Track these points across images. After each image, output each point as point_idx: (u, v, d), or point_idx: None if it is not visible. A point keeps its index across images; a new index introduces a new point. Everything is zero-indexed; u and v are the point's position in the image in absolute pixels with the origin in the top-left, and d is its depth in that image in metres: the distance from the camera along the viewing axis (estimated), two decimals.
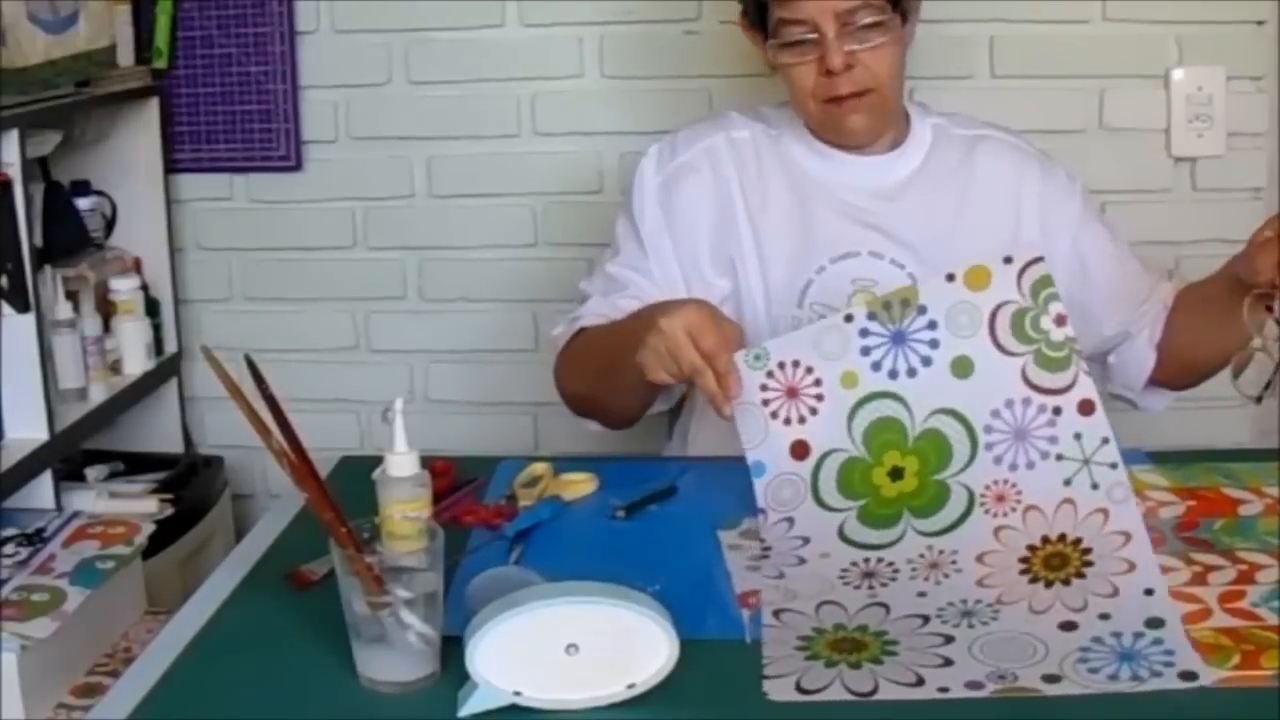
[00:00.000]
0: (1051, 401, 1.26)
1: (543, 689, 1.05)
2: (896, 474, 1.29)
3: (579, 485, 1.49)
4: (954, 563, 1.22)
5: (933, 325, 1.29)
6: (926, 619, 1.14)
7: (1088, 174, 1.80)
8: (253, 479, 2.43)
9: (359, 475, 1.30)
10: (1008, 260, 1.28)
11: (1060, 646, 1.09)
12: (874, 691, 1.05)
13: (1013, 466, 1.26)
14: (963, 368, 1.28)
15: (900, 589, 1.20)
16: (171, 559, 2.03)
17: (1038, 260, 1.28)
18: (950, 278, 1.30)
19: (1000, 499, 1.25)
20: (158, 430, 2.33)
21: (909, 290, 1.31)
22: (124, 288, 2.18)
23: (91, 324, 2.07)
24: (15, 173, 1.82)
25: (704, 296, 1.67)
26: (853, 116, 1.62)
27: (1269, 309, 1.33)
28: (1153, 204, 2.19)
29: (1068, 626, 1.11)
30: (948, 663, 1.08)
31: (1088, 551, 1.19)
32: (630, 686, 1.05)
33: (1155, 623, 1.11)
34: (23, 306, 1.85)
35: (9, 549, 1.76)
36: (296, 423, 1.15)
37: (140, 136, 2.26)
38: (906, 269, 1.64)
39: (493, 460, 1.58)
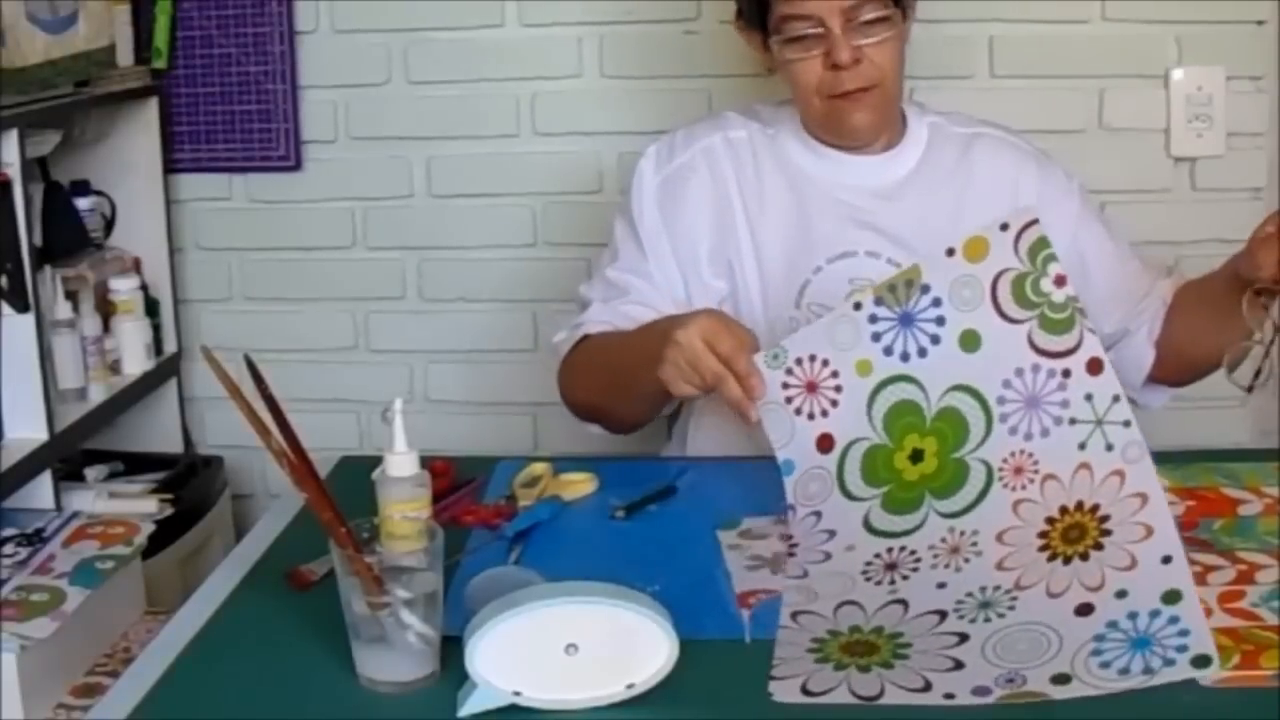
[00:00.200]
0: (1060, 365, 1.25)
1: (542, 689, 1.05)
2: (917, 456, 1.29)
3: (578, 485, 1.49)
4: (974, 545, 1.22)
5: (937, 303, 1.29)
6: (943, 615, 1.15)
7: (1087, 174, 1.80)
8: (252, 479, 2.43)
9: (358, 475, 1.31)
10: (1004, 227, 1.27)
11: (1075, 637, 1.09)
12: (879, 696, 1.05)
13: (1028, 436, 1.25)
14: (971, 342, 1.28)
15: (920, 581, 1.20)
16: (171, 559, 2.03)
17: (1034, 223, 1.27)
18: (950, 252, 1.30)
19: (1018, 471, 1.25)
20: (157, 430, 2.33)
21: (912, 270, 1.31)
22: (123, 288, 2.18)
23: (91, 324, 2.07)
24: (15, 173, 1.82)
25: (703, 298, 1.67)
26: (857, 114, 1.62)
27: (1265, 306, 1.34)
28: (1152, 204, 2.19)
29: (1084, 610, 1.11)
30: (958, 665, 1.08)
31: (1105, 519, 1.18)
32: (630, 686, 1.05)
33: (1172, 596, 1.10)
34: (22, 306, 1.85)
35: (9, 549, 1.76)
36: (296, 423, 1.15)
37: (140, 136, 2.26)
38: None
39: (492, 460, 1.58)
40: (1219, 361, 1.40)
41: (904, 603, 1.18)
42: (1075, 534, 1.19)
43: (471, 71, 2.27)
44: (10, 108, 1.83)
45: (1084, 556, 1.16)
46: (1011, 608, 1.14)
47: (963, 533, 1.24)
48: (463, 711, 1.05)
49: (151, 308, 2.26)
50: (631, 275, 1.68)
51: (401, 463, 1.23)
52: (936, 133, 1.72)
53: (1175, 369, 1.65)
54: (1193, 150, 2.19)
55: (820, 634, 1.14)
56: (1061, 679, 1.05)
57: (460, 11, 2.25)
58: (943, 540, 1.24)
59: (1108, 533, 1.17)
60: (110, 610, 1.75)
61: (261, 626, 1.21)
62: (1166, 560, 1.13)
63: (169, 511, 2.00)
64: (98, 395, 2.07)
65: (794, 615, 1.18)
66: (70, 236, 2.15)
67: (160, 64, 2.27)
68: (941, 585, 1.19)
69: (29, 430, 1.87)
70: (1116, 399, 1.22)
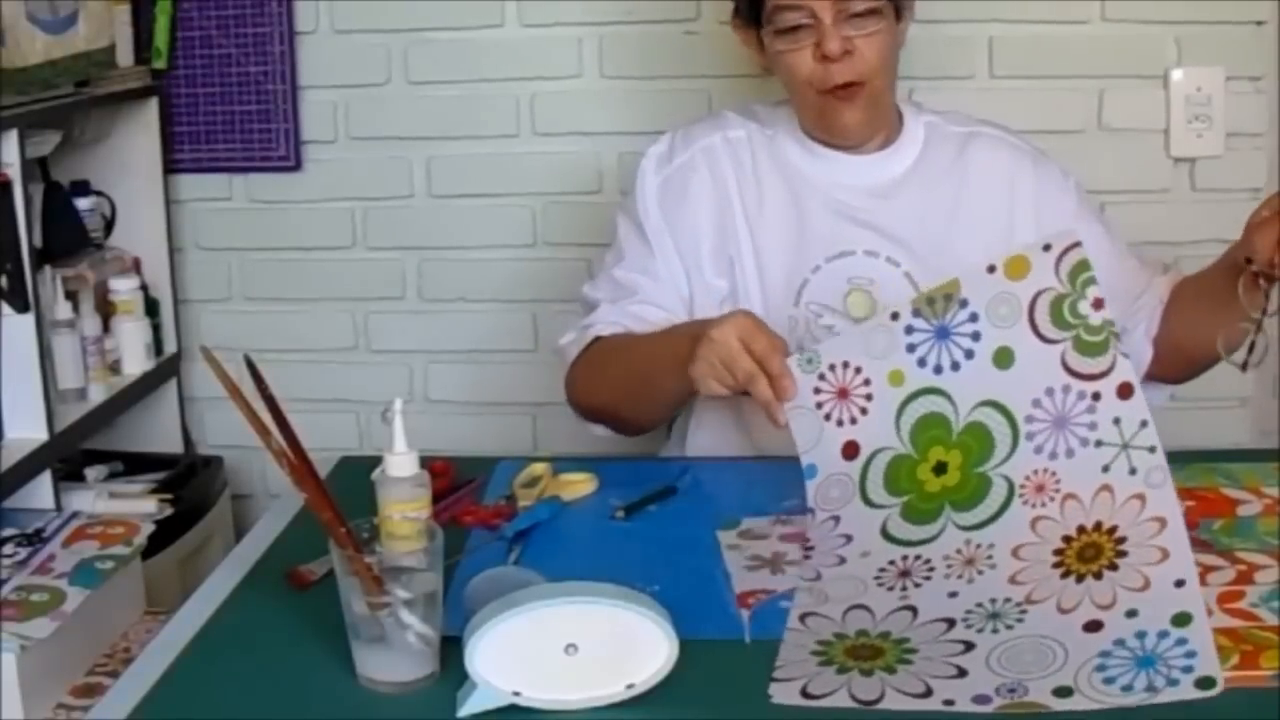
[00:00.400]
0: (1091, 387, 1.25)
1: (542, 689, 1.05)
2: (941, 468, 1.29)
3: (578, 485, 1.49)
4: (989, 558, 1.22)
5: (974, 318, 1.30)
6: (952, 623, 1.15)
7: (1087, 174, 1.80)
8: (252, 479, 2.43)
9: (358, 475, 1.31)
10: (1046, 247, 1.28)
11: (1080, 652, 1.08)
12: (879, 700, 1.05)
13: (1053, 455, 1.26)
14: (1004, 358, 1.29)
15: (932, 589, 1.20)
16: (171, 559, 2.03)
17: (1076, 245, 1.27)
18: (991, 269, 1.30)
19: (1040, 489, 1.25)
20: (157, 430, 2.33)
21: (951, 284, 1.31)
22: (123, 288, 2.18)
23: (91, 324, 2.07)
24: (15, 173, 1.82)
25: (704, 297, 1.67)
26: (847, 113, 1.62)
27: (1261, 288, 1.34)
28: (1152, 204, 2.19)
29: (1093, 627, 1.11)
30: (961, 673, 1.08)
31: (1122, 541, 1.19)
32: (629, 687, 1.05)
33: (1182, 619, 1.10)
34: (22, 306, 1.85)
35: (8, 549, 1.76)
36: (296, 423, 1.15)
37: (140, 136, 2.26)
38: (902, 267, 1.65)
39: (492, 460, 1.58)
40: (1218, 355, 1.41)
41: (913, 609, 1.18)
42: (1091, 553, 1.19)
43: (471, 72, 2.27)
44: (10, 108, 1.83)
45: (1097, 575, 1.17)
46: (1020, 620, 1.14)
47: (979, 545, 1.24)
48: (462, 711, 1.05)
49: (151, 308, 2.26)
50: (638, 274, 1.68)
51: (401, 463, 1.23)
52: (933, 132, 1.72)
53: (1174, 365, 1.65)
54: (1192, 151, 2.19)
55: (826, 636, 1.14)
56: (1064, 691, 1.05)
57: (460, 11, 2.25)
58: (958, 551, 1.24)
59: (1123, 554, 1.18)
60: (110, 610, 1.75)
61: (261, 626, 1.22)
62: (1179, 584, 1.13)
63: (169, 511, 2.00)
64: (98, 395, 2.07)
65: (802, 617, 1.18)
66: (70, 236, 2.15)
67: (160, 64, 2.27)
68: (953, 594, 1.19)
69: (29, 430, 1.87)
70: (1144, 424, 1.23)
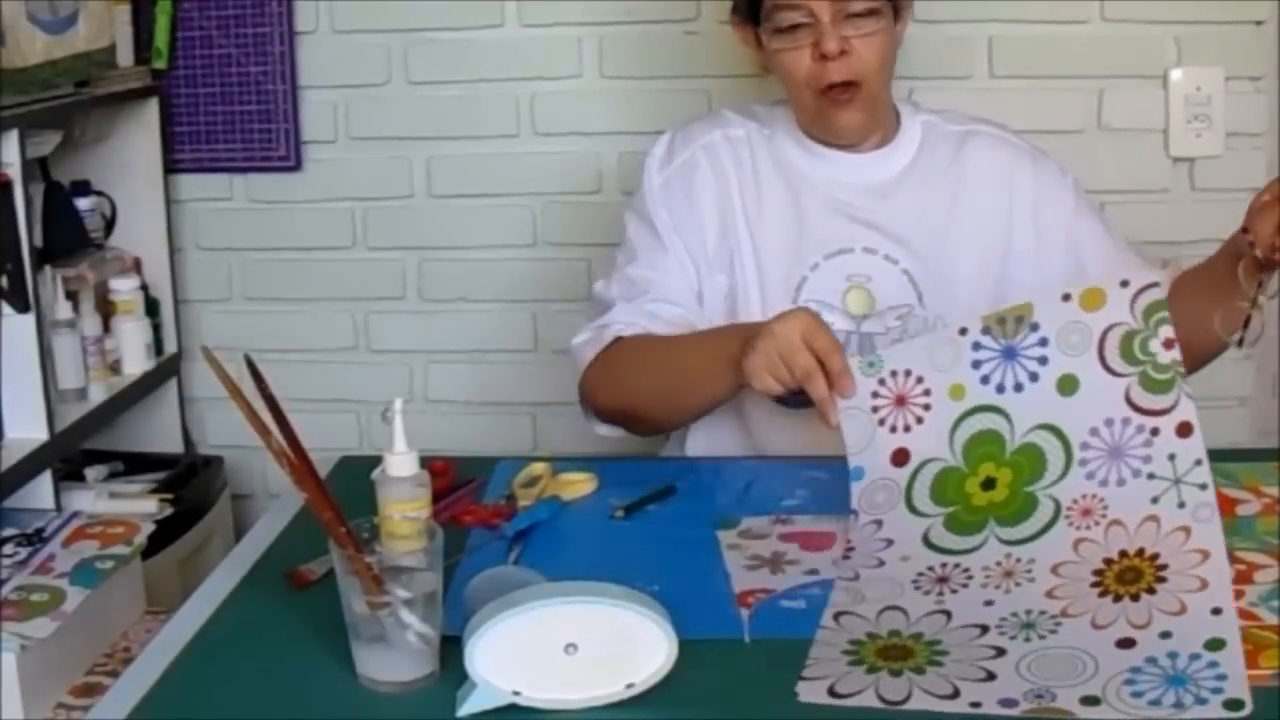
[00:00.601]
0: (1151, 422, 1.27)
1: (542, 689, 1.05)
2: (989, 484, 1.30)
3: (578, 485, 1.49)
4: (1028, 572, 1.23)
5: (1044, 342, 1.31)
6: (985, 629, 1.15)
7: (1086, 174, 1.81)
8: (252, 479, 2.43)
9: (358, 475, 1.31)
10: (1124, 284, 1.29)
11: (1111, 665, 1.08)
12: (905, 700, 1.05)
13: (1103, 483, 1.27)
14: (1068, 385, 1.30)
15: (968, 596, 1.20)
16: (171, 559, 2.03)
17: (1153, 285, 1.29)
18: (1066, 297, 1.31)
19: (1086, 512, 1.26)
20: (157, 430, 2.33)
21: (1024, 307, 1.32)
22: (124, 288, 2.18)
23: (91, 324, 2.07)
24: (15, 173, 1.82)
25: (711, 293, 1.67)
26: (844, 113, 1.63)
27: (1262, 271, 1.35)
28: (1151, 204, 2.19)
29: (1125, 644, 1.11)
30: (990, 677, 1.07)
31: (1163, 568, 1.20)
32: (629, 686, 1.05)
33: (1216, 644, 1.10)
34: (23, 307, 1.85)
35: (8, 549, 1.76)
36: (296, 423, 1.15)
37: (140, 137, 2.26)
38: (900, 264, 1.65)
39: (492, 460, 1.58)
40: (1219, 345, 1.43)
41: (948, 613, 1.18)
42: (1130, 576, 1.20)
43: (471, 72, 2.27)
44: (10, 108, 1.83)
45: (1134, 597, 1.17)
46: (1054, 631, 1.14)
47: (1019, 559, 1.24)
48: (462, 711, 1.05)
49: (152, 308, 2.26)
50: (651, 272, 1.68)
51: (401, 463, 1.23)
52: (930, 130, 1.72)
53: None
54: (1192, 150, 2.19)
55: (859, 636, 1.15)
56: (1091, 700, 1.04)
57: (460, 11, 2.25)
58: (998, 564, 1.24)
59: (1163, 579, 1.18)
60: (110, 610, 1.75)
61: (261, 626, 1.22)
62: (1216, 612, 1.14)
63: (169, 511, 2.00)
64: (98, 395, 2.07)
65: (836, 616, 1.18)
66: (70, 237, 2.16)
67: (160, 64, 2.27)
68: (988, 603, 1.19)
69: (29, 430, 1.88)
70: (1199, 463, 1.24)
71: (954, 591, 1.21)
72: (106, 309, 2.17)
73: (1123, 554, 1.22)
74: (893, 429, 1.34)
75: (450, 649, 1.09)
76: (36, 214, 2.00)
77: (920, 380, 1.33)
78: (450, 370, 2.39)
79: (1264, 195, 1.38)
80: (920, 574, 1.24)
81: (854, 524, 1.33)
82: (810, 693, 1.06)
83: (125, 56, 2.17)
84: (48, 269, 2.01)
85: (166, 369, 2.30)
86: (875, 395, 1.34)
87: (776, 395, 1.42)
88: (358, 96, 2.30)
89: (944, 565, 1.25)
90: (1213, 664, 1.08)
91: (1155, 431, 1.26)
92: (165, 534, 1.96)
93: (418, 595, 1.08)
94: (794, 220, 1.67)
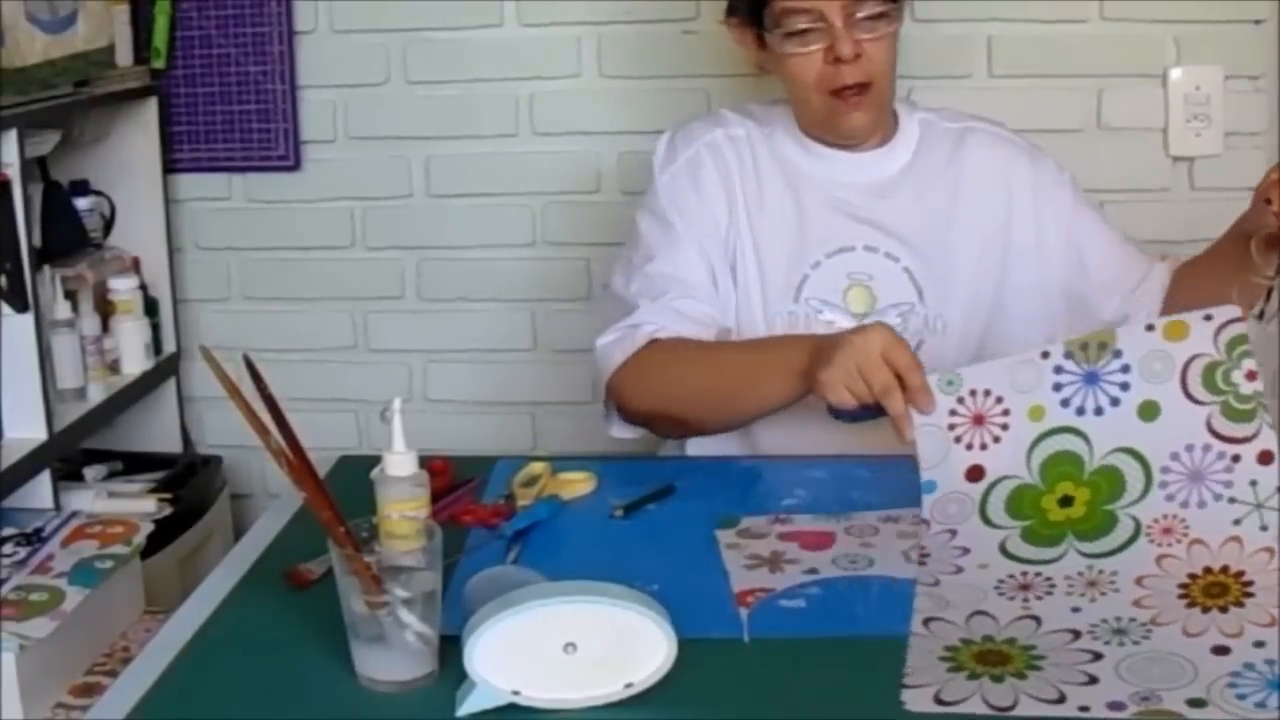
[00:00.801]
0: (1232, 449, 1.28)
1: (541, 688, 1.05)
2: (1066, 501, 1.30)
3: (577, 484, 1.48)
4: (1113, 582, 1.23)
5: (1126, 369, 1.31)
6: (1077, 634, 1.14)
7: (1085, 174, 1.81)
8: (251, 478, 2.43)
9: (357, 475, 1.30)
10: (1207, 317, 1.30)
11: (1211, 670, 1.08)
12: (1013, 707, 1.04)
13: (1184, 504, 1.27)
14: (1149, 411, 1.30)
15: (1054, 603, 1.20)
16: (170, 559, 2.03)
17: (1237, 320, 1.30)
18: (1149, 328, 1.32)
19: (1167, 531, 1.26)
20: (156, 430, 2.33)
21: (1107, 334, 1.33)
22: (123, 287, 2.18)
23: (90, 324, 2.08)
24: (14, 173, 1.83)
25: (723, 290, 1.67)
26: (855, 114, 1.63)
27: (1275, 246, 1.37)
28: (1150, 203, 2.19)
29: (1220, 651, 1.11)
30: (1092, 680, 1.07)
31: (1249, 584, 1.20)
32: (628, 686, 1.05)
33: None
34: (22, 306, 1.85)
35: (8, 549, 1.76)
36: (295, 422, 1.15)
37: (139, 136, 2.26)
38: (901, 262, 1.65)
39: (491, 460, 1.58)
40: None
41: (1036, 618, 1.17)
42: (1217, 590, 1.20)
43: (470, 71, 2.27)
44: (10, 108, 1.83)
45: (1223, 609, 1.17)
46: (1146, 637, 1.13)
47: (1101, 571, 1.24)
48: (461, 711, 1.05)
49: (151, 307, 2.26)
50: (672, 268, 1.66)
51: (400, 462, 1.23)
52: (928, 129, 1.73)
53: None
54: (1191, 150, 2.19)
55: (953, 641, 1.14)
56: (1197, 703, 1.03)
57: (459, 11, 2.25)
58: (1080, 574, 1.24)
59: (1250, 595, 1.18)
60: (109, 610, 1.75)
61: (260, 626, 1.21)
62: None
63: (168, 511, 2.00)
64: (97, 395, 2.07)
65: (925, 621, 1.17)
66: (69, 236, 2.16)
67: (159, 64, 2.27)
68: (1076, 610, 1.19)
69: (28, 430, 1.88)
70: None
71: (1039, 598, 1.21)
72: (105, 309, 2.17)
73: (1207, 570, 1.22)
74: (969, 446, 1.34)
75: (449, 649, 1.09)
76: (35, 214, 2.00)
77: (1000, 400, 1.33)
78: (449, 370, 2.38)
79: (1271, 175, 1.40)
80: (1001, 581, 1.24)
81: (925, 533, 1.33)
82: (917, 701, 1.05)
83: (124, 56, 2.17)
84: (47, 269, 2.01)
85: (165, 369, 2.30)
86: (952, 413, 1.34)
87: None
88: (357, 96, 2.30)
89: (1024, 573, 1.25)
90: None
91: (1236, 458, 1.27)
92: (164, 534, 1.96)
93: (417, 595, 1.08)
94: (795, 218, 1.67)
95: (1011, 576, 1.25)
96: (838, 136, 1.67)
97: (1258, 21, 2.14)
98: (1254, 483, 1.26)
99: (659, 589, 1.13)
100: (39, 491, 1.89)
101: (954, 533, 1.31)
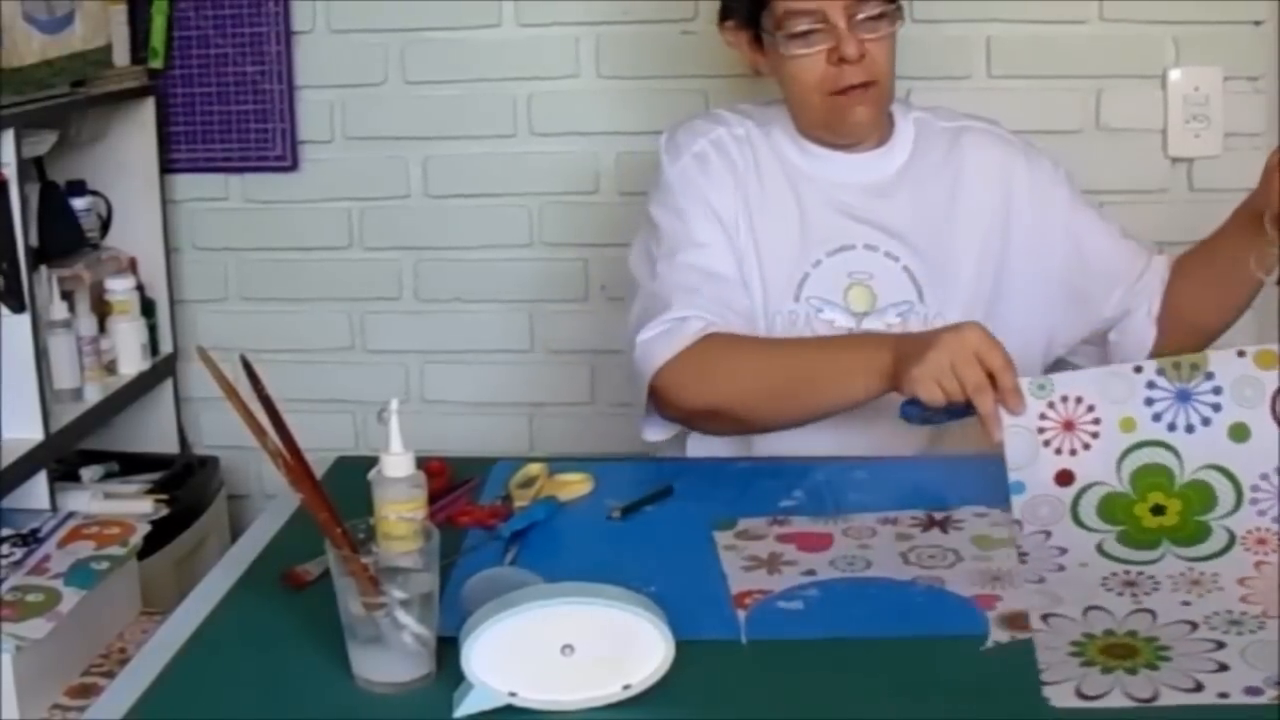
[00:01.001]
0: None
1: (538, 690, 1.05)
2: (1158, 510, 1.31)
3: (575, 486, 1.48)
4: (1215, 581, 1.23)
5: (1218, 391, 1.33)
6: (1194, 625, 1.15)
7: (1084, 174, 1.81)
8: (248, 479, 2.43)
9: (354, 476, 1.30)
10: None
11: None
12: (1155, 698, 1.04)
13: (1276, 520, 1.29)
14: (1240, 433, 1.32)
15: (1163, 598, 1.20)
16: (167, 559, 2.03)
17: None
18: (1241, 354, 1.34)
19: (1261, 542, 1.27)
20: (153, 430, 2.33)
21: (1199, 357, 1.35)
22: (119, 288, 2.18)
23: (87, 324, 2.07)
24: (11, 173, 1.82)
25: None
26: (859, 109, 1.63)
27: None
28: (1150, 204, 2.19)
29: None
30: (1223, 668, 1.07)
31: None
32: (626, 687, 1.05)
33: None
34: (18, 307, 1.85)
35: (4, 549, 1.75)
36: (292, 423, 1.15)
37: (136, 136, 2.26)
38: (901, 261, 1.65)
39: (488, 461, 1.58)
40: (1223, 326, 1.52)
41: (1151, 612, 1.17)
42: None
43: (468, 71, 2.27)
44: (7, 108, 1.83)
45: None
46: (1262, 627, 1.14)
47: (1203, 572, 1.25)
48: (458, 712, 1.05)
49: (148, 308, 2.26)
50: (704, 260, 1.64)
51: (397, 463, 1.22)
52: (923, 128, 1.73)
53: (1179, 342, 1.64)
54: (1190, 151, 2.19)
55: (1075, 636, 1.14)
56: None
57: (457, 11, 2.25)
58: (1182, 574, 1.25)
59: None
60: (106, 611, 1.75)
61: (257, 627, 1.21)
62: None
63: (165, 512, 2.00)
64: (93, 395, 2.07)
65: (1044, 617, 1.17)
66: (66, 236, 2.16)
67: (157, 64, 2.27)
68: (1186, 604, 1.19)
69: (25, 430, 1.88)
70: None
71: (1147, 594, 1.21)
72: (102, 309, 2.17)
73: None
74: (1058, 451, 1.34)
75: (447, 650, 1.09)
76: (32, 214, 2.00)
77: (1091, 409, 1.34)
78: (447, 370, 2.38)
79: (1276, 155, 1.42)
80: (1105, 578, 1.24)
81: (1019, 532, 1.33)
82: (1061, 697, 1.05)
83: (121, 56, 2.17)
84: (43, 269, 2.01)
85: (162, 369, 2.30)
86: (1043, 417, 1.35)
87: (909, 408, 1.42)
88: (354, 96, 2.30)
89: (1127, 571, 1.25)
90: None
91: None
92: (161, 534, 1.96)
93: (414, 596, 1.08)
94: (796, 217, 1.67)
95: (1114, 574, 1.25)
96: (839, 136, 1.67)
97: (1257, 22, 2.14)
98: None
99: (656, 590, 1.12)
100: (35, 492, 1.89)
101: (1048, 534, 1.32)
